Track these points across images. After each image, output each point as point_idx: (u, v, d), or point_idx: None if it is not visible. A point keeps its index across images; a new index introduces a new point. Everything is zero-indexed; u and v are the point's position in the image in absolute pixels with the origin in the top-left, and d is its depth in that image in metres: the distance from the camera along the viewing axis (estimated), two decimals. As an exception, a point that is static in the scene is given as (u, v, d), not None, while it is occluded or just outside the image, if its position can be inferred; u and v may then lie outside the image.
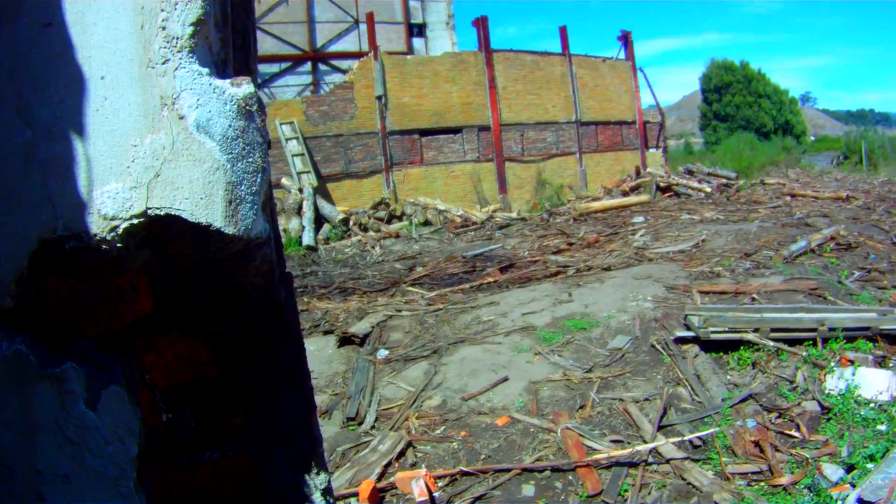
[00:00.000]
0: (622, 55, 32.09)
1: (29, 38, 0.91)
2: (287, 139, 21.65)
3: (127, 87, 0.91)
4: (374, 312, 10.81)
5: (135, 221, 0.91)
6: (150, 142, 0.91)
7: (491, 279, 12.85)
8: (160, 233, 0.94)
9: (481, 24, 26.69)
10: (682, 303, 9.39)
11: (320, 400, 7.54)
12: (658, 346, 7.89)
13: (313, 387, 1.27)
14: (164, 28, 0.91)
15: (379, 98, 23.85)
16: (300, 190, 20.35)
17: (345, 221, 20.47)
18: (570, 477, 5.39)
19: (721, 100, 56.29)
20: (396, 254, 17.84)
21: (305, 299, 12.69)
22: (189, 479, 1.14)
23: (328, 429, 6.79)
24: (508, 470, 5.53)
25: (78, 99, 0.91)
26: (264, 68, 27.52)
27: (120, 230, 0.91)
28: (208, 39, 0.95)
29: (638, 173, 29.72)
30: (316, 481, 1.22)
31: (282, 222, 19.27)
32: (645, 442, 5.75)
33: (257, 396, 1.16)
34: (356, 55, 25.97)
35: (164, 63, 0.91)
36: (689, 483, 5.12)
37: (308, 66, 28.80)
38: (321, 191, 21.61)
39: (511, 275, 13.15)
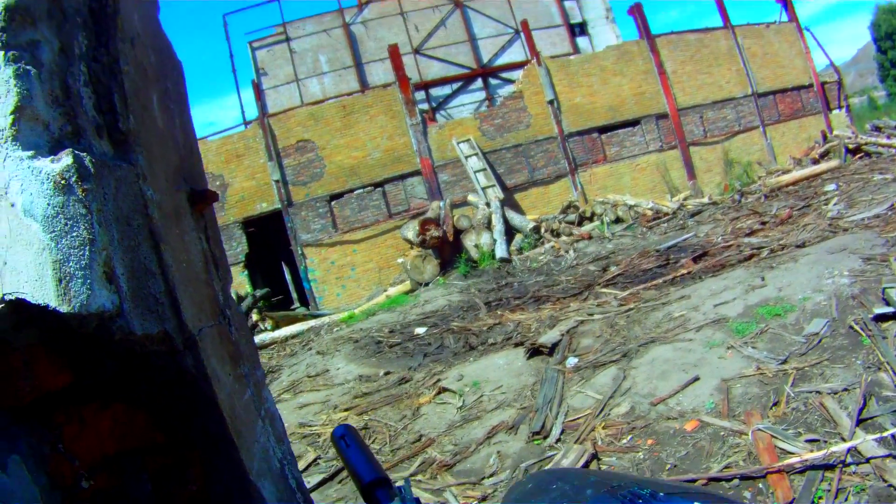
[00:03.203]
0: (784, 17, 29.76)
1: None
2: (466, 157, 22.06)
3: (-28, 182, 0.94)
4: (566, 319, 10.67)
5: (-2, 307, 0.92)
6: (-3, 232, 0.93)
7: (684, 270, 12.31)
8: (27, 315, 0.94)
9: (637, 11, 26.02)
10: (881, 274, 8.42)
11: (507, 415, 7.54)
12: (857, 327, 7.09)
13: (243, 458, 1.22)
14: (-8, 123, 0.93)
15: (550, 102, 23.75)
16: (487, 204, 20.61)
17: (536, 229, 20.42)
18: (761, 485, 4.95)
19: (895, 46, 50.97)
20: (590, 255, 17.57)
21: (499, 312, 12.83)
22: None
23: (513, 444, 6.75)
24: (693, 481, 5.20)
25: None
26: (436, 92, 28.25)
27: (-12, 316, 0.93)
28: (39, 120, 0.96)
29: (825, 138, 27.41)
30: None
31: (472, 238, 19.60)
32: (843, 440, 5.15)
33: (208, 465, 1.14)
34: (523, 64, 25.99)
35: (-7, 155, 0.93)
36: (890, 485, 4.51)
37: (479, 82, 29.17)
38: (508, 202, 21.80)
39: (704, 263, 12.52)
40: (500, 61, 29.38)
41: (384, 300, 18.10)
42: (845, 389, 5.96)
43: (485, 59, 29.35)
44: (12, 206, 0.92)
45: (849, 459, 4.87)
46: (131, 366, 1.06)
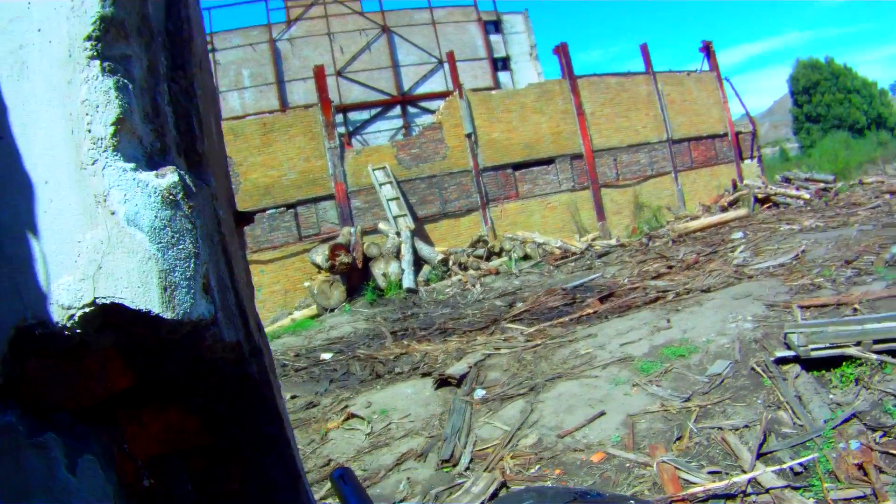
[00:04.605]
0: (706, 66, 31.31)
1: (-14, 152, 1.01)
2: (381, 184, 22.15)
3: (67, 189, 1.00)
4: (473, 352, 10.83)
5: (87, 310, 0.99)
6: (90, 237, 0.99)
7: (591, 310, 12.69)
8: (114, 318, 1.01)
9: (562, 51, 26.77)
10: (783, 320, 9.00)
11: (416, 443, 7.61)
12: (758, 369, 7.57)
13: (298, 456, 1.31)
14: (89, 131, 0.99)
15: (468, 136, 24.15)
16: (398, 234, 20.69)
17: (444, 262, 20.61)
18: (667, 513, 5.23)
19: (811, 100, 54.05)
20: (497, 291, 17.84)
21: (405, 342, 12.86)
22: (192, 540, 1.20)
23: (422, 471, 6.83)
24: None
25: (29, 202, 1.00)
26: (354, 116, 28.37)
27: (76, 318, 0.99)
28: (135, 134, 1.02)
29: (735, 187, 28.83)
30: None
31: (381, 266, 19.63)
32: (744, 472, 5.50)
33: (249, 463, 1.21)
34: (444, 95, 26.42)
35: (93, 163, 0.99)
36: None
37: (398, 109, 29.47)
38: (419, 233, 21.94)
39: (611, 304, 12.95)
40: (421, 90, 29.75)
41: (289, 323, 17.90)
42: (746, 426, 6.35)
43: (405, 87, 29.65)
44: (112, 214, 0.98)
45: (749, 490, 5.22)
46: (195, 372, 1.13)
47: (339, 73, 28.50)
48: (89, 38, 1.00)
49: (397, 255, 20.02)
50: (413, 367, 10.78)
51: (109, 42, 1.02)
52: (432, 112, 26.89)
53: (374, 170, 22.32)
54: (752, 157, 31.52)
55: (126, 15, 1.04)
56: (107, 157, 0.99)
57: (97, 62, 1.00)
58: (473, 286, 18.67)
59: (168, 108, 1.11)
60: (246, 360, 1.16)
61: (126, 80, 1.02)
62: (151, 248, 0.98)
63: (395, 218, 21.42)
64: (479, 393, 8.82)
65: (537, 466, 6.47)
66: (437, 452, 7.16)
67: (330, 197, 22.37)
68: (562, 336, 11.04)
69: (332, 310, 18.53)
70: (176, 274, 0.99)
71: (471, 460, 6.87)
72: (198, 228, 1.03)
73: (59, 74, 1.01)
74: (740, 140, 31.25)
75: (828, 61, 54.98)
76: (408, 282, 19.11)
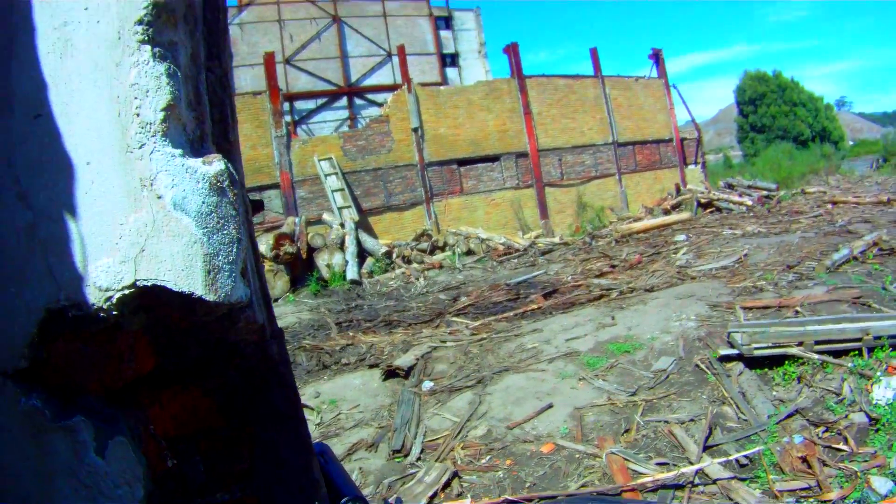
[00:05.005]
0: (654, 73, 31.92)
1: (22, 129, 1.01)
2: (326, 175, 21.99)
3: (110, 171, 1.00)
4: (419, 344, 10.85)
5: (126, 292, 0.99)
6: (133, 220, 0.99)
7: (535, 306, 12.82)
8: (150, 301, 1.02)
9: (512, 50, 26.93)
10: (726, 320, 9.26)
11: (366, 433, 7.61)
12: (702, 366, 7.80)
13: (310, 433, 1.34)
14: (138, 115, 1.00)
15: (415, 130, 24.14)
16: (342, 225, 20.56)
17: (388, 254, 20.57)
18: None
19: (757, 111, 55.51)
20: (440, 284, 17.88)
21: (350, 333, 12.80)
22: (204, 520, 1.21)
23: (374, 461, 6.85)
24: (553, 497, 5.51)
25: (69, 183, 1.00)
26: (300, 105, 28.09)
27: (114, 300, 1.00)
28: (181, 121, 1.04)
29: (678, 191, 29.43)
30: (320, 521, 1.29)
31: (325, 257, 19.51)
32: (691, 463, 5.68)
33: (260, 443, 1.23)
34: (391, 88, 26.34)
35: (140, 147, 1.00)
36: (736, 503, 5.05)
37: (344, 100, 29.28)
38: (363, 225, 21.84)
39: (555, 301, 13.11)
40: (369, 82, 29.58)
41: (231, 312, 17.64)
42: (692, 420, 6.55)
43: (353, 78, 29.44)
44: (159, 198, 0.99)
45: (697, 480, 5.40)
46: (216, 354, 1.14)
47: (287, 61, 28.17)
48: (140, 21, 1.00)
49: (341, 247, 19.91)
50: (360, 359, 10.76)
51: (160, 28, 1.03)
52: (379, 105, 26.79)
53: (320, 160, 22.14)
54: (696, 163, 32.20)
55: (176, 2, 1.05)
56: (155, 142, 1.00)
57: (148, 47, 1.00)
58: (417, 279, 18.68)
59: (206, 98, 1.12)
60: (267, 341, 1.18)
61: (175, 67, 1.03)
62: (198, 232, 1.00)
63: (339, 209, 21.30)
64: (427, 385, 8.86)
65: (488, 457, 6.55)
66: (388, 443, 7.18)
67: (275, 186, 22.12)
68: (507, 331, 11.15)
69: (276, 300, 18.33)
70: (220, 258, 1.01)
71: (422, 451, 6.91)
72: (240, 215, 1.05)
73: (107, 56, 1.01)
74: (685, 145, 31.91)
75: (775, 74, 56.47)
76: (352, 273, 19.02)
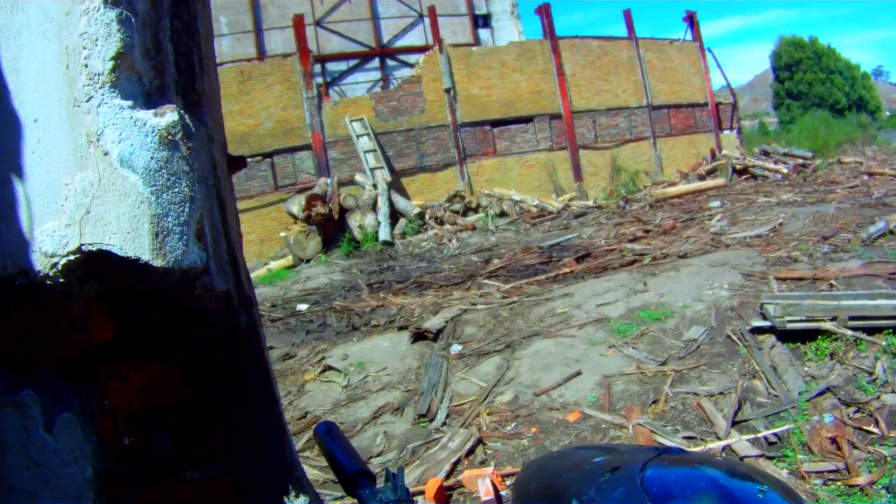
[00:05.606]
0: (689, 36, 31.25)
1: (-31, 86, 0.93)
2: (358, 136, 21.90)
3: (57, 128, 0.92)
4: (449, 307, 10.84)
5: (71, 258, 0.92)
6: (79, 179, 0.92)
7: (567, 270, 12.71)
8: (99, 266, 0.94)
9: (544, 11, 26.52)
10: (759, 290, 9.05)
11: (393, 396, 7.63)
12: (734, 337, 7.63)
13: (283, 412, 1.27)
14: (86, 66, 0.91)
15: (447, 91, 23.90)
16: (374, 186, 20.53)
17: (420, 215, 20.52)
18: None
19: (793, 77, 54.49)
20: (473, 246, 17.85)
21: (381, 295, 12.84)
22: (173, 497, 1.15)
23: (399, 425, 6.85)
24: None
25: (16, 142, 0.93)
26: (332, 66, 27.92)
27: (59, 266, 0.92)
28: (135, 70, 0.95)
29: (713, 156, 28.93)
30: (296, 504, 1.22)
31: (357, 218, 19.53)
32: (719, 439, 5.56)
33: (233, 420, 1.17)
34: (423, 49, 26.09)
35: (87, 101, 0.91)
36: None
37: (376, 62, 29.03)
38: (395, 186, 21.75)
39: (587, 265, 12.99)
40: (400, 43, 29.31)
41: (265, 273, 17.80)
42: (721, 393, 6.40)
43: (385, 40, 29.18)
44: (105, 154, 0.91)
45: (724, 457, 5.25)
46: (181, 323, 1.07)
47: (317, 23, 27.94)
48: (91, -34, 0.91)
49: (374, 208, 19.90)
50: (389, 320, 10.78)
51: (113, -29, 0.94)
52: (411, 66, 26.55)
53: (351, 121, 22.05)
54: (731, 129, 31.59)
55: (132, -57, 0.96)
56: (103, 94, 0.92)
57: (99, -7, 0.92)
58: (449, 241, 18.65)
59: (169, 45, 1.03)
60: (235, 311, 1.11)
61: (129, 13, 0.94)
62: (145, 191, 0.91)
63: (371, 170, 21.23)
64: (456, 348, 8.83)
65: (514, 424, 6.50)
66: (414, 407, 7.17)
67: (307, 147, 22.10)
68: (538, 294, 11.07)
69: (308, 260, 18.45)
70: (169, 219, 0.93)
71: (447, 416, 6.89)
72: (195, 171, 0.97)
73: (57, 5, 0.93)
74: (720, 111, 31.29)
75: (811, 40, 55.33)
76: (384, 234, 19.04)
